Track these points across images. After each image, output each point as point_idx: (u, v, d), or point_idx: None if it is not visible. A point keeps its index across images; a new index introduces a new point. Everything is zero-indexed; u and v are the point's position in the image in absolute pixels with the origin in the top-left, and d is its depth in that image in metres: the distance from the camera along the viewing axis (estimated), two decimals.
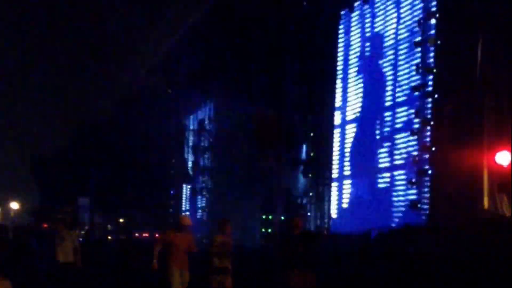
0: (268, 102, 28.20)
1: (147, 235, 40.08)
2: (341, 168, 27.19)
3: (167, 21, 35.79)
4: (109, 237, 28.88)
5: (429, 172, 20.66)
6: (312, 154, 29.62)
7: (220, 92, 39.60)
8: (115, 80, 40.54)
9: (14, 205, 54.08)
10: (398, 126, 23.10)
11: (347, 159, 26.80)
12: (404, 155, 22.42)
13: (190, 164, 46.13)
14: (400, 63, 23.21)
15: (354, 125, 26.34)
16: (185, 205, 45.90)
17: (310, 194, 30.03)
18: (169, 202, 45.64)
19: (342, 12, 27.54)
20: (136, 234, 22.97)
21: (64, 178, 46.77)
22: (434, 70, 20.81)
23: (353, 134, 26.34)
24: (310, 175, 30.50)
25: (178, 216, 14.33)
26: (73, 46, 47.08)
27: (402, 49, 23.15)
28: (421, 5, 21.88)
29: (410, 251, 17.09)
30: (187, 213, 44.14)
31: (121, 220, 45.97)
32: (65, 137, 45.30)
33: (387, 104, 23.93)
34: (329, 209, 27.68)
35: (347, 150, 26.79)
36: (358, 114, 26.06)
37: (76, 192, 47.75)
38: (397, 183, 22.98)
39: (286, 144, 20.50)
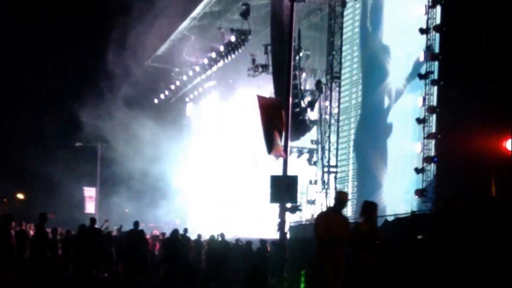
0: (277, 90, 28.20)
1: (152, 225, 40.22)
2: (346, 156, 27.20)
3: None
4: (116, 227, 28.91)
5: (435, 159, 20.61)
6: (317, 141, 29.66)
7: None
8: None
9: (20, 196, 54.25)
10: (403, 113, 23.05)
11: (352, 147, 26.80)
12: (410, 143, 22.37)
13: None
14: (405, 50, 23.13)
15: (359, 112, 26.31)
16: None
17: (315, 181, 30.08)
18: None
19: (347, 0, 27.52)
20: (143, 224, 23.00)
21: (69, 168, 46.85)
22: (440, 57, 20.72)
23: (359, 122, 26.32)
24: (314, 162, 30.56)
25: (336, 192, 11.15)
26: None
27: (407, 36, 23.06)
28: None
29: (417, 239, 17.02)
30: None
31: (126, 210, 46.06)
32: (71, 126, 45.31)
33: (393, 91, 23.88)
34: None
35: (352, 137, 26.78)
36: (363, 102, 26.03)
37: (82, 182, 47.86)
38: (403, 170, 22.94)
39: (293, 131, 20.37)
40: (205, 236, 25.84)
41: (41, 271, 19.20)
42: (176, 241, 22.70)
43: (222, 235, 24.46)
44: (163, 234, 27.48)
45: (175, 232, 23.07)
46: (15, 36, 48.88)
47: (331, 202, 27.79)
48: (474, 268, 14.18)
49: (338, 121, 27.93)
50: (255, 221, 37.51)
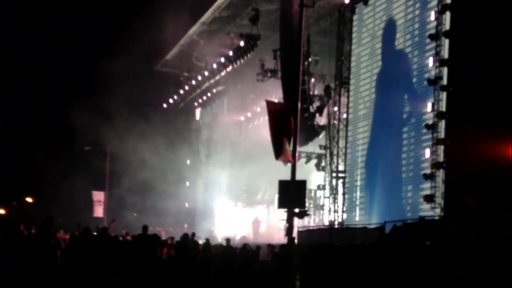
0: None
1: (160, 229, 40.20)
2: (354, 161, 27.17)
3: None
4: (123, 231, 28.94)
5: (444, 165, 20.58)
6: (325, 146, 29.67)
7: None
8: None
9: (29, 199, 54.27)
10: (412, 119, 23.02)
11: (360, 152, 26.76)
12: (419, 148, 22.35)
13: (203, 158, 46.28)
14: (414, 56, 23.11)
15: (368, 118, 26.28)
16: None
17: (323, 186, 30.10)
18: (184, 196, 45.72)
19: (356, 6, 27.51)
20: (150, 229, 22.96)
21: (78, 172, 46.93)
22: (449, 63, 20.71)
23: (367, 127, 26.29)
24: (323, 167, 30.56)
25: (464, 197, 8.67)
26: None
27: (416, 42, 23.05)
28: None
29: (426, 244, 17.03)
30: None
31: (135, 215, 46.09)
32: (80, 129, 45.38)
33: (402, 97, 23.84)
34: (343, 202, 27.67)
35: (360, 143, 26.75)
36: (372, 108, 26.00)
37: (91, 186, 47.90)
38: (411, 176, 22.90)
39: (301, 136, 20.38)
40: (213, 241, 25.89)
41: (48, 275, 19.18)
42: (186, 245, 22.74)
43: (228, 240, 24.48)
44: (172, 238, 27.50)
45: (185, 236, 23.12)
46: (23, 37, 49.05)
47: (339, 207, 27.81)
48: (474, 268, 14.20)
49: (346, 126, 27.91)
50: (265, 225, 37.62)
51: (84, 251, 20.90)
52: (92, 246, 20.92)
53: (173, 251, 25.14)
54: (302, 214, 19.42)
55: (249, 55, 33.24)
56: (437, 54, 21.20)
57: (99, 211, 46.66)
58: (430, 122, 21.25)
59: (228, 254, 23.55)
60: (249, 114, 40.94)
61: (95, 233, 22.44)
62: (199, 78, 40.20)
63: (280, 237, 29.95)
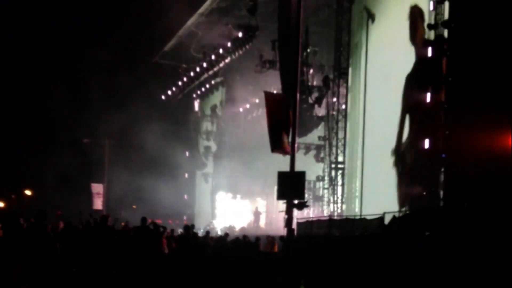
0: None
1: (159, 221, 40.14)
2: (353, 151, 27.14)
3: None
4: (122, 224, 28.84)
5: (443, 155, 20.53)
6: (324, 137, 29.61)
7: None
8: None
9: (28, 192, 54.30)
10: (411, 109, 22.97)
11: (359, 142, 26.74)
12: (418, 138, 22.30)
13: (202, 150, 46.27)
14: (413, 46, 23.04)
15: (366, 108, 26.23)
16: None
17: (322, 178, 30.05)
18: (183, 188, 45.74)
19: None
20: (149, 221, 22.89)
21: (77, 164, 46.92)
22: (448, 53, 20.63)
23: (366, 118, 26.25)
24: (322, 158, 30.51)
25: None
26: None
27: (415, 32, 22.97)
28: None
29: (426, 235, 17.00)
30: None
31: (134, 207, 46.08)
32: (79, 122, 45.37)
33: (400, 87, 23.79)
34: (342, 193, 27.65)
35: (360, 133, 26.72)
36: (370, 98, 25.96)
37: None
38: (410, 166, 22.86)
39: (300, 127, 20.31)
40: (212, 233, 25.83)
41: (47, 269, 19.10)
42: (188, 238, 22.72)
43: (226, 234, 24.46)
44: (172, 230, 27.48)
45: (187, 228, 23.09)
46: (18, 32, 48.92)
47: (338, 198, 27.78)
48: (474, 267, 14.16)
49: (345, 117, 27.85)
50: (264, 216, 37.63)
51: (76, 243, 20.82)
52: (90, 237, 20.84)
53: (173, 244, 25.09)
54: (302, 206, 19.34)
55: (247, 46, 33.12)
56: (436, 43, 21.11)
57: (98, 204, 46.68)
58: (430, 112, 21.18)
59: (223, 247, 23.49)
60: (247, 106, 40.88)
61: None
62: (198, 69, 40.10)
63: (280, 228, 29.95)
